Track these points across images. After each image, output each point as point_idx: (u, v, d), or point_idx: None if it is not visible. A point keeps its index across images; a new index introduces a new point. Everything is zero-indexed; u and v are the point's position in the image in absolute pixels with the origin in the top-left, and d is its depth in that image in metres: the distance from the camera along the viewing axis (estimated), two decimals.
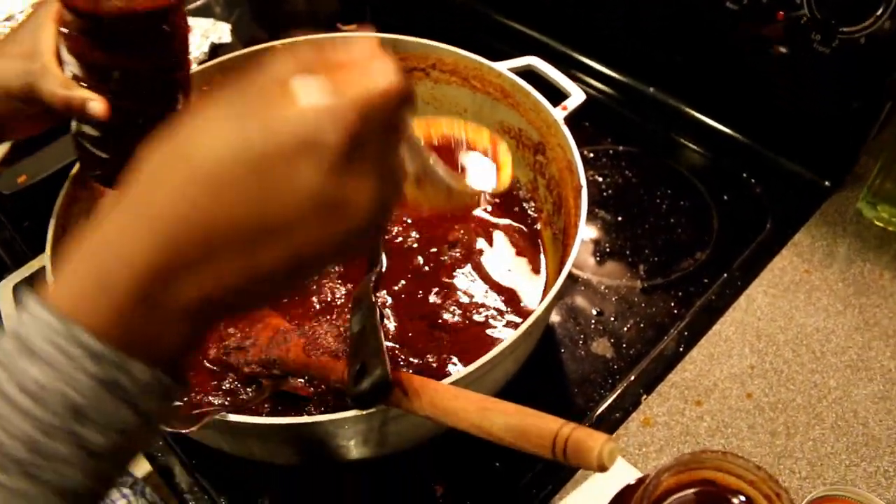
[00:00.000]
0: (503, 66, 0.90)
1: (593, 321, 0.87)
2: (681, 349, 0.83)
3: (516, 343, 0.64)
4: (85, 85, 0.66)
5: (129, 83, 0.66)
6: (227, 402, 0.74)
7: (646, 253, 0.94)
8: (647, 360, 0.83)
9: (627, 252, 0.94)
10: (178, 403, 0.41)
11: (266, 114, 0.36)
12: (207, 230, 0.36)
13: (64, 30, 0.65)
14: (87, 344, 0.35)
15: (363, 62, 0.37)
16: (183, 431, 0.57)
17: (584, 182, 0.76)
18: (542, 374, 0.81)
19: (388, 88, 0.37)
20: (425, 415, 0.55)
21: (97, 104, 0.64)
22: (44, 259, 0.75)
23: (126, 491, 0.81)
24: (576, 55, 1.20)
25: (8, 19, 1.22)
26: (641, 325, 0.86)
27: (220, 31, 1.19)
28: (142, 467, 0.87)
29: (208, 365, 0.77)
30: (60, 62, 0.67)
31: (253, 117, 0.36)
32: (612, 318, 0.87)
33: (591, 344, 0.85)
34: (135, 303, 0.35)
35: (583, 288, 0.90)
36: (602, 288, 0.90)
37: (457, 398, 0.54)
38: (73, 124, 0.71)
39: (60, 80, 0.65)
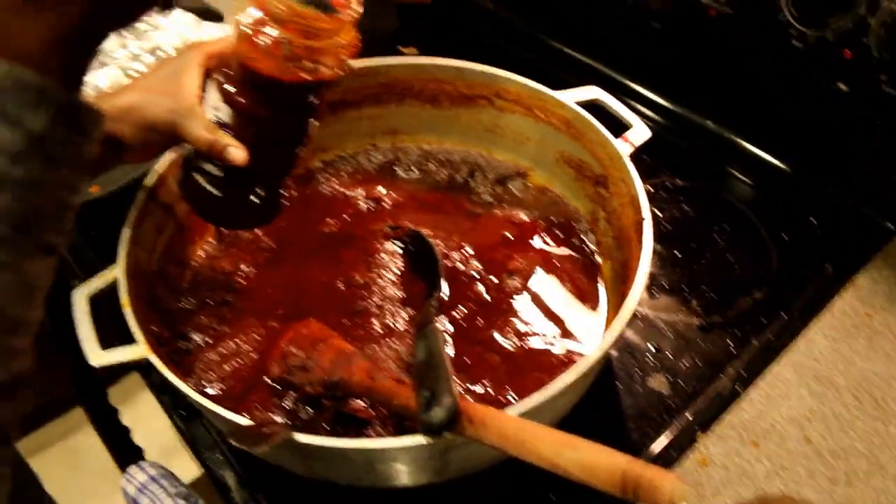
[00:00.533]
0: (567, 98, 0.90)
1: (649, 356, 0.87)
2: (738, 388, 0.83)
3: (580, 378, 0.65)
4: (229, 132, 0.71)
5: (269, 138, 0.72)
6: (288, 422, 0.74)
7: (702, 289, 0.94)
8: (704, 397, 0.82)
9: (684, 287, 0.94)
10: (87, 125, 0.37)
11: None
12: None
13: (221, 79, 0.71)
14: None
15: None
16: (255, 450, 0.58)
17: (648, 216, 0.77)
18: (597, 406, 0.81)
19: None
20: (492, 445, 0.56)
21: (238, 152, 0.69)
22: (116, 270, 0.77)
23: (181, 502, 0.82)
24: (633, 85, 1.20)
25: (152, 52, 1.24)
26: (698, 363, 0.86)
27: None
28: (191, 472, 0.88)
29: (269, 382, 0.78)
30: (203, 103, 0.72)
31: None
32: (669, 354, 0.87)
33: (648, 379, 0.85)
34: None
35: (639, 322, 0.90)
36: (659, 323, 0.90)
37: (525, 430, 0.54)
38: (186, 154, 0.75)
39: (205, 123, 0.70)
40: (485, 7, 1.42)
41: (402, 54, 1.27)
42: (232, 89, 0.70)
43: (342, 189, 1.01)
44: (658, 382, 0.84)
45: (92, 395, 1.14)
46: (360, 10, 0.66)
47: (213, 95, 0.72)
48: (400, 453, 0.62)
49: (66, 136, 0.35)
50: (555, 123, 0.92)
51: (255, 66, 0.66)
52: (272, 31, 0.64)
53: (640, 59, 1.21)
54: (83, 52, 0.37)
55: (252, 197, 0.76)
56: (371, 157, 1.05)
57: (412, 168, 1.03)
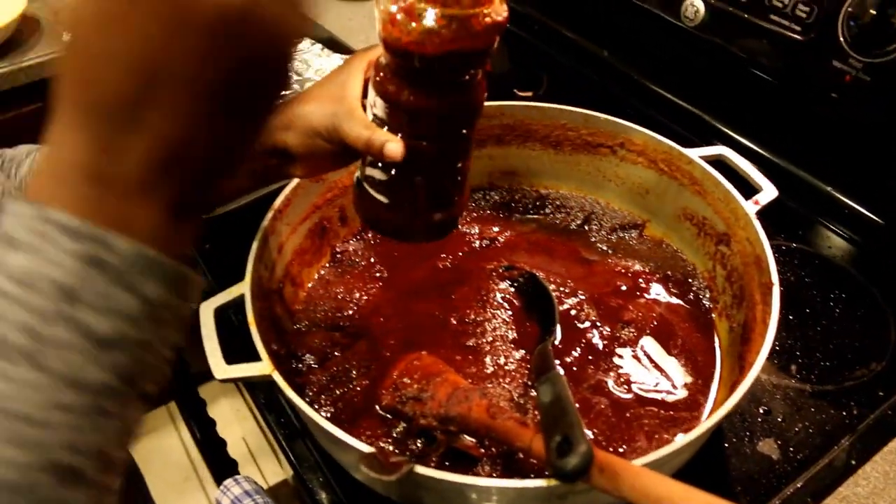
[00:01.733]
0: (694, 154, 0.90)
1: (760, 419, 0.85)
2: (852, 462, 0.81)
3: (701, 436, 0.64)
4: (386, 128, 0.68)
5: (428, 126, 0.68)
6: (397, 451, 0.75)
7: (816, 356, 0.92)
8: (816, 468, 0.80)
9: (798, 353, 0.92)
10: (189, 291, 0.40)
11: None
12: (100, 79, 0.37)
13: (376, 74, 0.68)
14: (61, 222, 0.36)
15: None
16: (383, 478, 0.59)
17: (776, 280, 0.76)
18: (704, 465, 0.80)
19: None
20: (623, 496, 0.55)
21: (395, 145, 0.67)
22: (243, 286, 0.79)
23: None
24: (745, 141, 1.20)
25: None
26: (810, 430, 0.84)
27: None
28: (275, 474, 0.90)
29: (380, 412, 0.80)
30: (364, 107, 0.71)
31: None
32: (780, 419, 0.85)
33: (757, 442, 0.83)
34: (89, 184, 0.37)
35: (751, 382, 0.88)
36: (770, 386, 0.89)
37: (660, 484, 0.54)
38: (359, 171, 0.74)
39: (364, 121, 0.69)
40: (599, 56, 1.44)
41: (519, 98, 1.29)
42: (383, 80, 0.67)
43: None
44: (768, 447, 0.83)
45: (192, 406, 1.16)
46: None
47: (370, 93, 0.70)
48: (520, 494, 0.63)
49: (174, 301, 0.39)
50: (679, 178, 0.92)
51: (398, 46, 0.62)
52: (411, 3, 0.60)
53: (753, 118, 1.20)
54: (190, 221, 0.41)
55: (421, 202, 0.73)
56: (487, 196, 1.06)
57: (528, 210, 1.04)
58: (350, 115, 0.70)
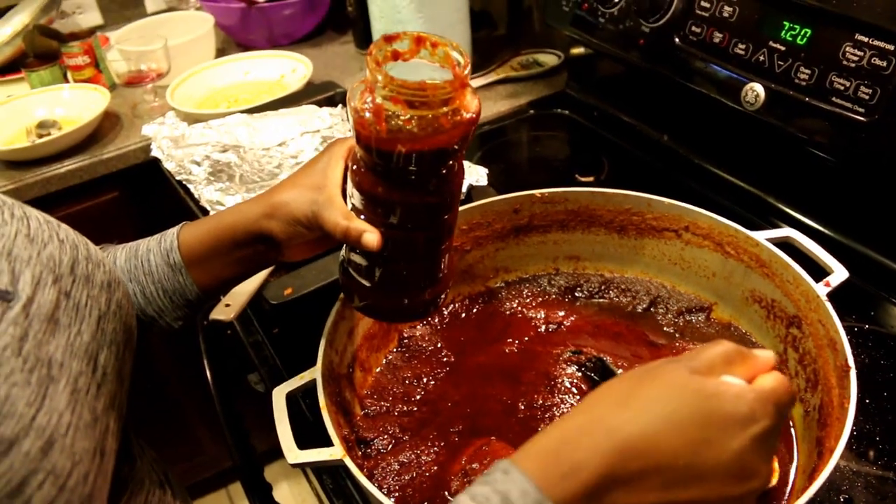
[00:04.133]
0: (761, 236, 0.90)
1: None
2: None
3: None
4: (364, 217, 0.71)
5: (404, 217, 0.71)
6: None
7: None
8: None
9: (877, 438, 0.90)
10: None
11: (712, 389, 0.52)
12: (650, 455, 0.48)
13: (353, 165, 0.71)
14: None
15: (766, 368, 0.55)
16: None
17: (852, 363, 0.75)
18: None
19: (790, 390, 0.54)
20: None
21: (372, 236, 0.70)
22: (315, 371, 0.81)
23: None
24: (819, 227, 1.19)
25: (281, 145, 1.35)
26: None
27: (478, 174, 1.27)
28: None
29: (449, 498, 0.79)
30: (345, 195, 0.74)
31: (703, 388, 0.52)
32: None
33: None
34: (585, 496, 0.46)
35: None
36: (849, 473, 0.86)
37: None
38: (343, 253, 0.77)
39: (342, 211, 0.72)
40: (659, 141, 1.46)
41: (580, 183, 1.31)
42: (358, 174, 0.70)
43: (522, 310, 1.03)
44: None
45: (259, 489, 1.17)
46: (464, 73, 0.65)
47: (349, 184, 0.72)
48: None
49: None
50: (746, 261, 0.92)
51: (368, 143, 0.65)
52: (378, 104, 0.63)
53: (818, 199, 1.20)
54: None
55: (402, 285, 0.76)
56: (552, 281, 1.07)
57: (594, 295, 1.05)
58: (329, 204, 0.72)
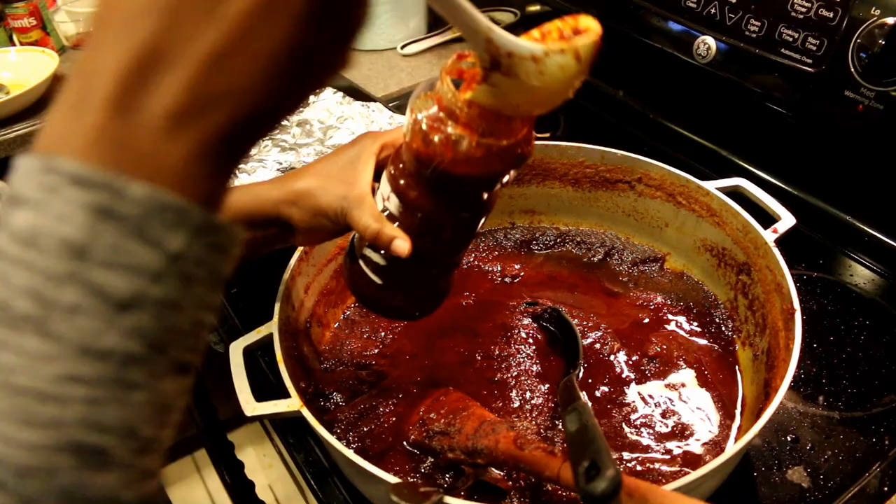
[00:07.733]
0: (711, 185, 0.92)
1: (788, 448, 0.85)
2: (885, 489, 0.80)
3: (727, 462, 0.65)
4: (397, 223, 0.69)
5: (435, 233, 0.70)
6: (433, 486, 0.76)
7: (843, 384, 0.92)
8: (848, 495, 0.80)
9: (824, 381, 0.92)
10: (226, 244, 0.35)
11: None
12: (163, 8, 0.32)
13: (393, 170, 0.69)
14: (69, 170, 0.31)
15: None
16: None
17: (797, 306, 0.77)
18: (734, 494, 0.80)
19: None
20: None
21: (404, 244, 0.68)
22: (271, 326, 0.81)
23: None
24: (759, 172, 1.21)
25: (300, 125, 1.32)
26: (840, 458, 0.84)
27: None
28: None
29: (408, 448, 0.80)
30: (373, 191, 0.72)
31: None
32: (808, 447, 0.85)
33: (786, 471, 0.83)
34: (110, 115, 0.32)
35: (778, 411, 0.88)
36: (797, 414, 0.88)
37: None
38: (352, 245, 0.77)
39: (374, 212, 0.70)
40: (615, 97, 1.46)
41: (536, 139, 1.31)
42: (402, 181, 0.68)
43: (479, 263, 1.04)
44: (797, 475, 0.83)
45: (221, 447, 1.17)
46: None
47: (385, 186, 0.71)
48: None
49: (204, 255, 0.34)
50: (697, 210, 0.94)
51: (427, 161, 0.63)
52: (447, 128, 0.61)
53: (769, 151, 1.22)
54: (225, 168, 0.35)
55: (414, 288, 0.76)
56: (508, 235, 1.08)
57: (549, 246, 1.06)
58: (360, 203, 0.71)
